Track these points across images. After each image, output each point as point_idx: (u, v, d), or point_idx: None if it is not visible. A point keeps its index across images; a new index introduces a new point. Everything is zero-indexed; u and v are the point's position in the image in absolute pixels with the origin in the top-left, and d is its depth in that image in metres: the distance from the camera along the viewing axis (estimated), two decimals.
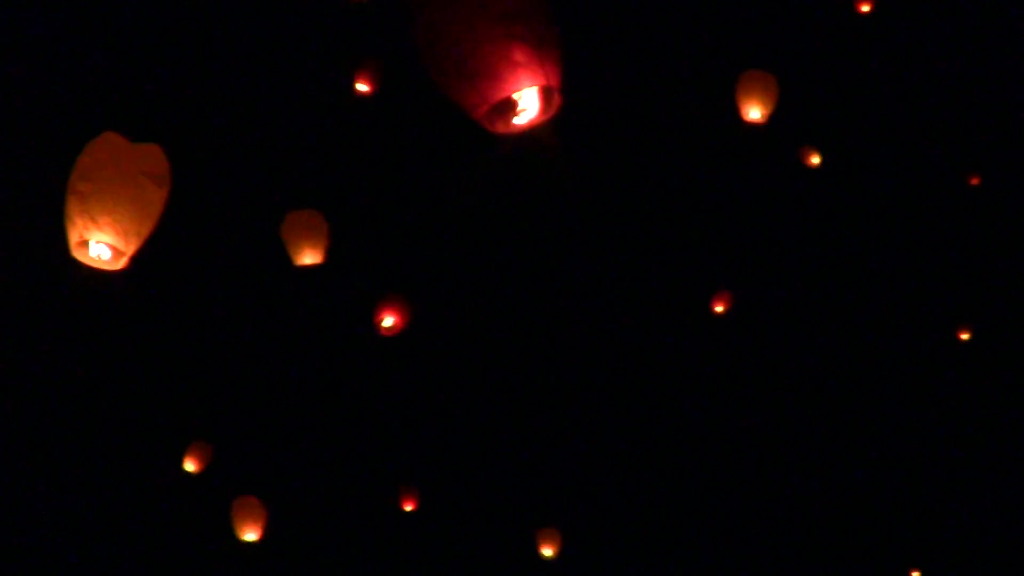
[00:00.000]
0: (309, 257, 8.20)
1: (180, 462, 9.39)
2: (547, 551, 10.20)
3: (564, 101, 3.91)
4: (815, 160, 9.30)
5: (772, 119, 8.32)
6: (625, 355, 10.29)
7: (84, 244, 5.17)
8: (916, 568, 10.77)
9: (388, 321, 8.86)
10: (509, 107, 3.87)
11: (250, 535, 9.57)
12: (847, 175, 9.69)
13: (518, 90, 3.74)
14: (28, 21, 7.72)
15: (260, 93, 8.60)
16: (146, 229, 5.15)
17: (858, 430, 10.64)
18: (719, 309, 9.85)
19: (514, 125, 3.92)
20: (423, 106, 8.39)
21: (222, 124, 8.53)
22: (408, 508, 9.99)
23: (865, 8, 8.81)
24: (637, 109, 9.30)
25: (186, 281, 9.26)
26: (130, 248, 5.16)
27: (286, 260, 8.09)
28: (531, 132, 3.95)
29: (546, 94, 3.86)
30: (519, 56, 3.62)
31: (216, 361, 9.76)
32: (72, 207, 5.12)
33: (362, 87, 8.47)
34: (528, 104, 3.88)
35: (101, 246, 5.16)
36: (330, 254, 8.13)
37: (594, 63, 8.75)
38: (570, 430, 10.53)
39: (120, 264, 5.24)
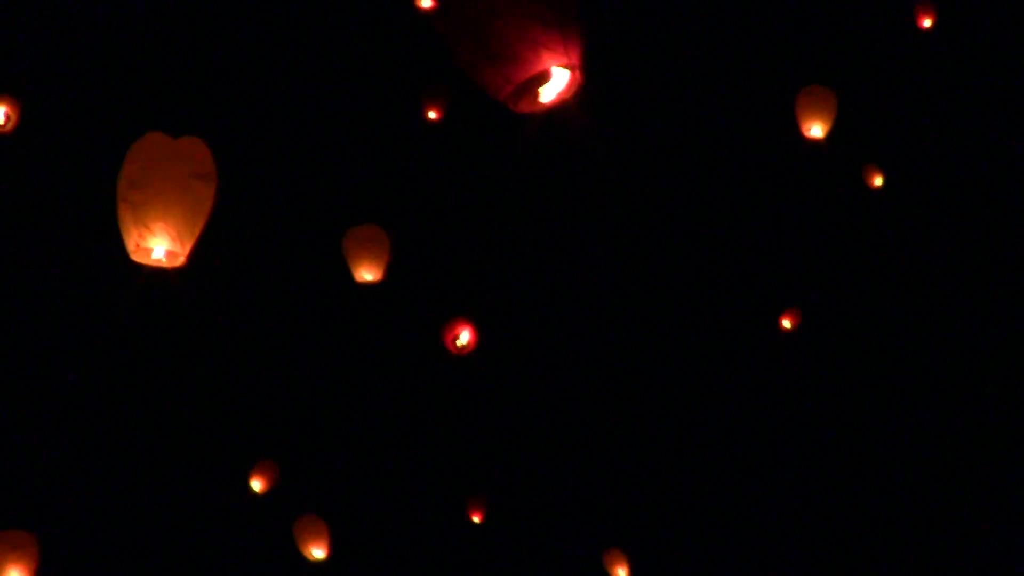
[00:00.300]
0: (369, 273, 8.28)
1: (246, 479, 9.51)
2: (621, 572, 10.19)
3: (591, 82, 3.96)
4: (878, 182, 9.29)
5: (832, 136, 8.34)
6: (683, 368, 10.30)
7: (142, 249, 5.30)
8: None
9: (464, 339, 8.90)
10: (533, 87, 3.92)
11: (318, 552, 9.68)
12: (909, 193, 9.65)
13: (540, 70, 3.79)
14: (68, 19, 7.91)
15: (323, 104, 8.73)
16: (199, 227, 5.27)
17: (928, 449, 10.57)
18: (787, 325, 9.84)
19: (539, 104, 3.98)
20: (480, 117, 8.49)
21: (283, 131, 8.67)
22: (475, 519, 10.03)
23: (927, 23, 8.80)
24: (691, 122, 9.34)
25: (245, 289, 9.39)
26: (186, 247, 5.29)
27: (347, 274, 8.19)
28: (557, 110, 4.00)
29: (569, 73, 3.90)
30: (539, 35, 3.68)
31: (278, 376, 9.87)
32: (125, 216, 5.25)
33: (432, 115, 8.61)
34: (551, 83, 3.92)
35: (159, 249, 5.28)
36: (390, 269, 8.22)
37: (653, 68, 8.82)
38: (634, 442, 10.54)
39: (178, 262, 5.38)
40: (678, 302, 10.13)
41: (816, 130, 8.43)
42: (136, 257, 5.33)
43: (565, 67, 3.83)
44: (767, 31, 9.02)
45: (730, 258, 9.92)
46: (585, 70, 3.86)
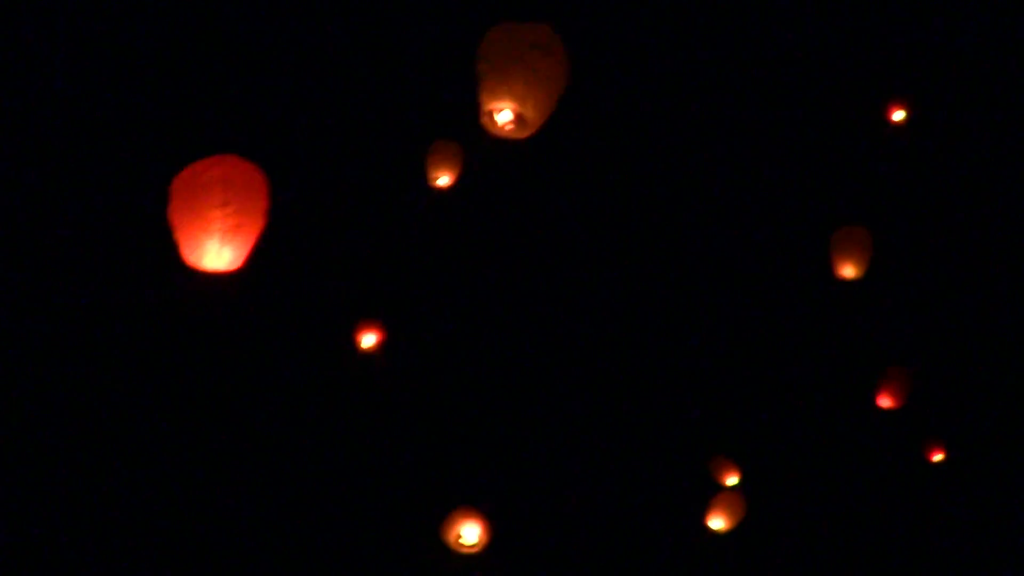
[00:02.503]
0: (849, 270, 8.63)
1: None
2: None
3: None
4: None
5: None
6: None
7: (490, 115, 5.88)
8: None
9: None
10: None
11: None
12: None
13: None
14: None
15: None
16: (543, 94, 5.79)
17: None
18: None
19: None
20: None
21: None
22: None
23: None
24: None
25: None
26: (528, 112, 5.80)
27: None
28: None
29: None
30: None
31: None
32: (479, 87, 5.86)
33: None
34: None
35: (504, 112, 5.83)
36: None
37: None
38: None
39: (527, 131, 5.91)
40: None
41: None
42: (486, 124, 5.87)
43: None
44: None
45: None
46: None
